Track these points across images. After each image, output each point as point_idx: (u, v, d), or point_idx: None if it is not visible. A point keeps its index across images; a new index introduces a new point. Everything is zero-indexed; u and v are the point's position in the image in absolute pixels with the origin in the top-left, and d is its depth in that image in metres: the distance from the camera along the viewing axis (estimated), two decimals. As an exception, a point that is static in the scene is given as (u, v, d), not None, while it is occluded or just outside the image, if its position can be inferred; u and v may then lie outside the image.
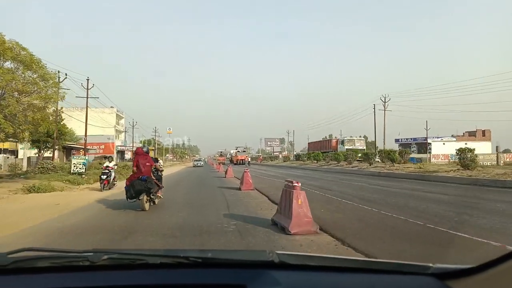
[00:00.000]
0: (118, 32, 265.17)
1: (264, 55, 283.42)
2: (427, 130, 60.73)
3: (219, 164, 49.10)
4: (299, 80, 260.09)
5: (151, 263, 1.36)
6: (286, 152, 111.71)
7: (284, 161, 68.61)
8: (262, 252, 1.49)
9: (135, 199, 8.70)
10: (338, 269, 1.38)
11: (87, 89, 30.21)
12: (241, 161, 62.99)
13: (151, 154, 19.19)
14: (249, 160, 65.89)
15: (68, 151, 50.32)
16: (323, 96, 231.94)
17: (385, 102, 46.62)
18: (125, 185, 9.08)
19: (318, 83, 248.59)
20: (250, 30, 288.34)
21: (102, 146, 64.65)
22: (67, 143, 48.58)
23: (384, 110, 46.48)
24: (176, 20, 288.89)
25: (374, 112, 46.98)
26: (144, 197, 8.63)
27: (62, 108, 55.17)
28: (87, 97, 30.25)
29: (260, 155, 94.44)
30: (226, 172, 24.40)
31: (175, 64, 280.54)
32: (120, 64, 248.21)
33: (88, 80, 30.19)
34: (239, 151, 69.80)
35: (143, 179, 8.65)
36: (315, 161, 46.31)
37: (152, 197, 9.08)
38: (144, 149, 9.44)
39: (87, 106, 30.64)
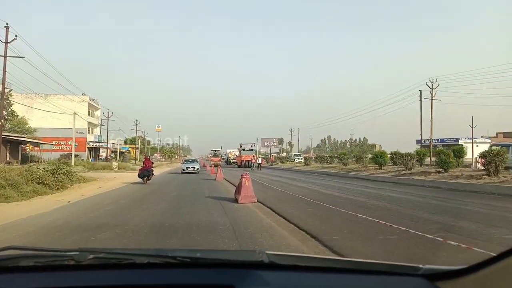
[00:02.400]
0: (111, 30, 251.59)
1: (261, 52, 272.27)
2: (472, 128, 50.33)
3: (213, 166, 34.10)
4: (296, 79, 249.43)
5: (138, 262, 1.32)
6: (285, 152, 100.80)
7: (305, 164, 45.25)
8: (252, 252, 1.47)
9: (142, 178, 18.65)
10: (328, 269, 1.35)
11: (6, 42, 18.62)
12: (245, 163, 45.46)
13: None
14: (260, 162, 43.60)
15: (14, 146, 38.30)
16: (323, 96, 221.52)
17: (432, 88, 35.73)
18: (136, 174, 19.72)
19: (316, 84, 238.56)
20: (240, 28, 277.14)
21: (70, 142, 52.94)
22: (15, 136, 36.81)
23: (432, 99, 35.61)
24: (170, 18, 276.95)
25: (421, 100, 36.16)
26: (145, 178, 18.56)
27: (11, 91, 42.19)
28: (5, 57, 18.68)
29: (273, 155, 79.00)
30: (238, 190, 11.21)
31: (166, 61, 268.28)
32: (107, 58, 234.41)
33: (7, 27, 18.61)
34: (244, 149, 51.02)
35: (148, 170, 18.73)
36: (377, 165, 26.85)
37: (149, 179, 18.82)
38: (148, 157, 21.62)
39: (4, 70, 18.99)
